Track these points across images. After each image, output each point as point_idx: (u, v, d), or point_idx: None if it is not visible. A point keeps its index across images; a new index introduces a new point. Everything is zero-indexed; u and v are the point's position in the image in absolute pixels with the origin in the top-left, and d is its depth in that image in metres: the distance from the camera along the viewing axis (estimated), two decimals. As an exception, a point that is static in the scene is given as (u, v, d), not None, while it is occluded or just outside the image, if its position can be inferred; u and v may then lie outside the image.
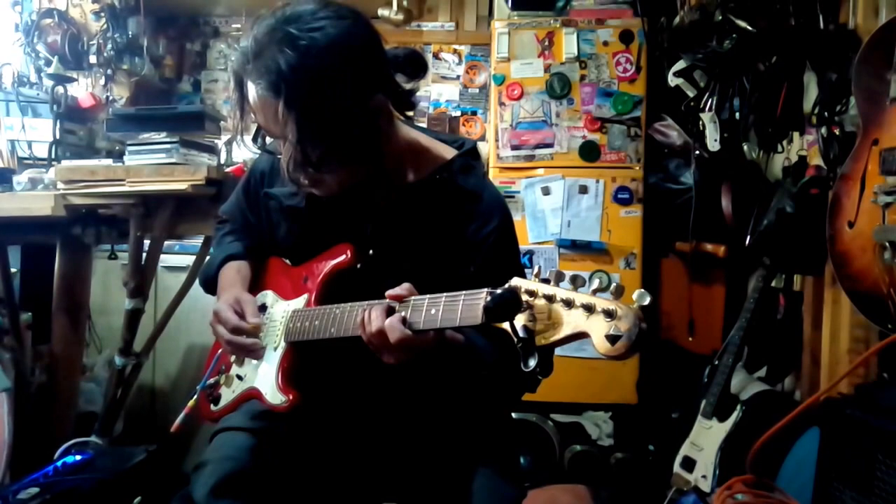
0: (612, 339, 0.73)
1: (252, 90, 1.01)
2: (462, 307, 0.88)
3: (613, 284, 0.77)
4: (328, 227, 1.17)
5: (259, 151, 1.16)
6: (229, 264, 1.28)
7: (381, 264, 1.12)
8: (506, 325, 0.82)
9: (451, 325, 0.90)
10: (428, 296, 0.94)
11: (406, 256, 1.11)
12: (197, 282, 1.41)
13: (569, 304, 0.77)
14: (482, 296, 0.86)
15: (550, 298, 0.79)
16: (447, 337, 0.98)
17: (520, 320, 0.80)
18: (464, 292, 0.89)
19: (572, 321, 0.77)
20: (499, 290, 0.82)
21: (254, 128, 1.11)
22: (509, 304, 0.80)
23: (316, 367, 1.13)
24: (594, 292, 0.77)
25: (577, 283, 0.80)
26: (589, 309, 0.76)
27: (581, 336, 0.77)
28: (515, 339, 0.80)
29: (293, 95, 0.96)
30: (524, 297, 0.80)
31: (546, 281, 0.81)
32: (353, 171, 1.09)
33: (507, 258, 1.14)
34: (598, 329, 0.75)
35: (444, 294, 0.92)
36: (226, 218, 1.39)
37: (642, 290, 0.75)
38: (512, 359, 0.82)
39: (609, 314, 0.74)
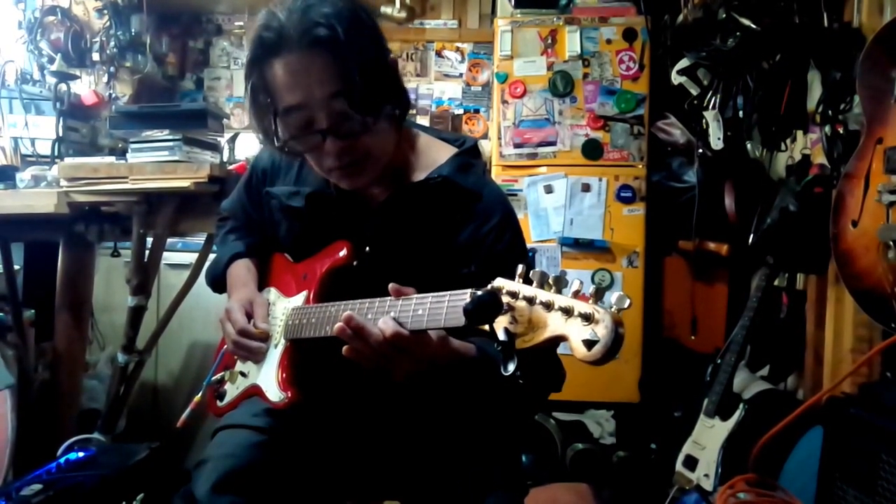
0: (589, 343, 0.71)
1: (284, 64, 1.00)
2: (446, 308, 0.87)
3: (592, 287, 0.75)
4: (328, 227, 1.16)
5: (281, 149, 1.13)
6: (238, 262, 1.28)
7: (380, 263, 1.12)
8: (487, 328, 0.80)
9: (437, 326, 0.89)
10: (416, 295, 0.93)
11: (405, 256, 1.11)
12: (199, 279, 1.42)
13: (548, 306, 0.76)
14: (466, 296, 0.84)
15: (531, 300, 0.77)
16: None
17: (501, 323, 0.78)
18: (449, 293, 0.87)
19: (551, 324, 0.75)
20: (479, 292, 0.80)
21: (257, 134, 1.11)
22: (488, 306, 0.78)
23: (317, 365, 1.13)
24: (574, 294, 0.75)
25: (560, 284, 0.77)
26: (567, 312, 0.74)
27: (559, 340, 0.75)
28: (495, 343, 0.79)
29: (345, 32, 0.98)
30: (505, 299, 0.78)
31: (529, 282, 0.79)
32: (386, 138, 1.09)
33: (510, 256, 1.12)
34: (576, 333, 0.73)
35: (432, 294, 0.90)
36: (227, 215, 1.39)
37: (622, 293, 0.73)
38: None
39: (586, 318, 0.72)
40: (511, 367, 0.77)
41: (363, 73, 0.99)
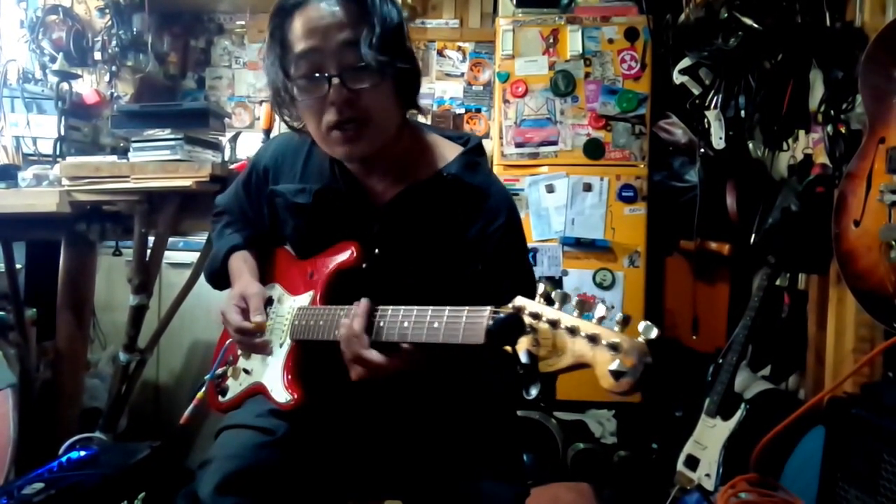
0: (617, 374, 0.71)
1: (304, 14, 1.03)
2: (464, 324, 0.85)
3: (619, 314, 0.74)
4: (335, 225, 1.16)
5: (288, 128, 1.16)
6: (234, 255, 1.28)
7: (388, 263, 1.12)
8: (509, 349, 0.79)
9: (454, 342, 0.86)
10: (431, 307, 0.91)
11: (413, 255, 1.11)
12: (201, 278, 1.41)
13: (573, 332, 0.75)
14: (486, 314, 0.82)
15: (554, 324, 0.76)
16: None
17: (524, 344, 0.77)
18: (467, 308, 0.86)
19: (576, 350, 0.75)
20: (502, 313, 0.79)
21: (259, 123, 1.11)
22: (512, 327, 0.77)
23: (321, 366, 1.13)
24: (599, 320, 0.75)
25: (583, 308, 0.76)
26: (594, 340, 0.73)
27: (584, 366, 0.74)
28: (518, 366, 0.78)
29: None
30: (528, 320, 0.78)
31: (551, 303, 0.78)
32: (390, 108, 1.09)
33: (515, 256, 1.13)
34: (602, 362, 0.72)
35: (449, 308, 0.88)
36: (222, 210, 1.38)
37: (648, 322, 0.72)
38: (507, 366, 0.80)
39: (614, 348, 0.72)
40: (534, 392, 0.77)
41: (382, 30, 1.02)
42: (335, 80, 1.02)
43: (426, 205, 1.12)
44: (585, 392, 2.71)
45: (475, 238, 1.10)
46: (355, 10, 1.03)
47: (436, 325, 0.89)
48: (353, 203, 1.15)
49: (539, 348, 0.77)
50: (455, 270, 1.04)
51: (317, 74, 1.04)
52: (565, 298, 0.78)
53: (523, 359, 0.77)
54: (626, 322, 0.73)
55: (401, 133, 1.13)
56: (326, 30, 1.02)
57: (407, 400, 1.13)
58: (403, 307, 0.94)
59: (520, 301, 0.80)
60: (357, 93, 1.03)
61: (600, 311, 0.75)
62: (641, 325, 0.72)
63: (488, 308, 0.82)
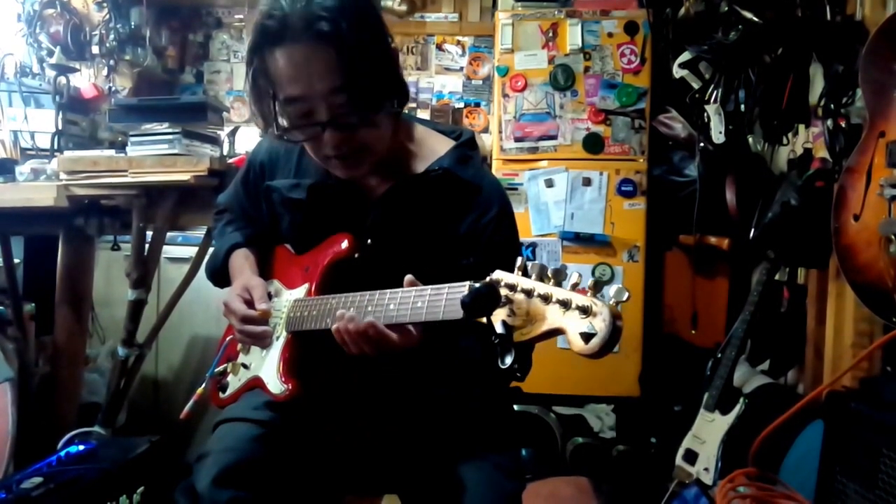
0: (586, 336, 0.71)
1: (286, 55, 1.00)
2: (445, 300, 0.88)
3: (591, 279, 0.74)
4: (330, 219, 1.16)
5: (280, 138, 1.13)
6: (235, 253, 1.28)
7: (381, 254, 1.12)
8: (485, 320, 0.80)
9: (435, 319, 0.89)
10: (415, 288, 0.93)
11: (405, 247, 1.11)
12: (200, 273, 1.41)
13: (546, 299, 0.75)
14: (464, 289, 0.84)
15: (529, 293, 0.77)
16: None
17: (500, 315, 0.78)
18: (448, 285, 0.88)
19: (549, 317, 0.75)
20: (477, 285, 0.80)
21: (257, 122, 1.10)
22: (486, 298, 0.78)
23: (318, 358, 1.13)
24: (573, 287, 0.75)
25: (559, 276, 0.77)
26: (565, 305, 0.74)
27: (557, 332, 0.75)
28: (493, 336, 0.78)
29: (348, 27, 0.98)
30: (504, 292, 0.78)
31: (528, 274, 0.79)
32: (385, 130, 1.08)
33: (507, 247, 1.13)
34: (574, 326, 0.73)
35: (431, 286, 0.91)
36: (224, 208, 1.38)
37: (621, 286, 0.73)
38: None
39: (584, 311, 0.72)
40: (508, 360, 0.77)
41: (365, 68, 0.99)
42: (328, 127, 1.02)
43: (418, 198, 1.12)
44: (584, 387, 2.72)
45: (468, 230, 1.11)
46: (334, 55, 0.98)
47: (419, 304, 0.91)
48: (346, 197, 1.16)
49: (514, 318, 0.78)
50: (448, 262, 1.04)
51: (308, 118, 1.03)
52: (542, 270, 0.78)
53: (499, 329, 0.78)
54: (598, 287, 0.74)
55: (395, 128, 1.13)
56: (309, 76, 0.99)
57: (404, 393, 1.13)
58: (389, 290, 0.96)
59: (497, 274, 0.81)
60: (351, 130, 1.03)
61: (574, 278, 0.76)
62: (613, 289, 0.73)
63: (467, 283, 0.84)
